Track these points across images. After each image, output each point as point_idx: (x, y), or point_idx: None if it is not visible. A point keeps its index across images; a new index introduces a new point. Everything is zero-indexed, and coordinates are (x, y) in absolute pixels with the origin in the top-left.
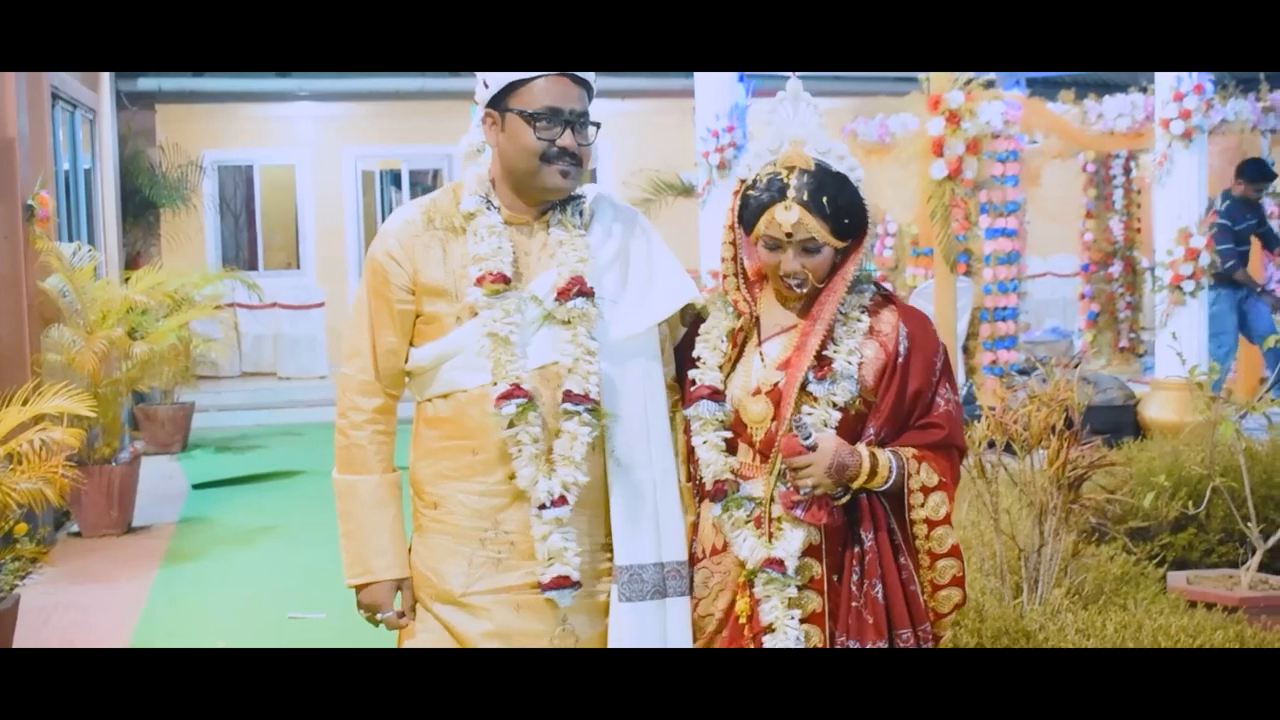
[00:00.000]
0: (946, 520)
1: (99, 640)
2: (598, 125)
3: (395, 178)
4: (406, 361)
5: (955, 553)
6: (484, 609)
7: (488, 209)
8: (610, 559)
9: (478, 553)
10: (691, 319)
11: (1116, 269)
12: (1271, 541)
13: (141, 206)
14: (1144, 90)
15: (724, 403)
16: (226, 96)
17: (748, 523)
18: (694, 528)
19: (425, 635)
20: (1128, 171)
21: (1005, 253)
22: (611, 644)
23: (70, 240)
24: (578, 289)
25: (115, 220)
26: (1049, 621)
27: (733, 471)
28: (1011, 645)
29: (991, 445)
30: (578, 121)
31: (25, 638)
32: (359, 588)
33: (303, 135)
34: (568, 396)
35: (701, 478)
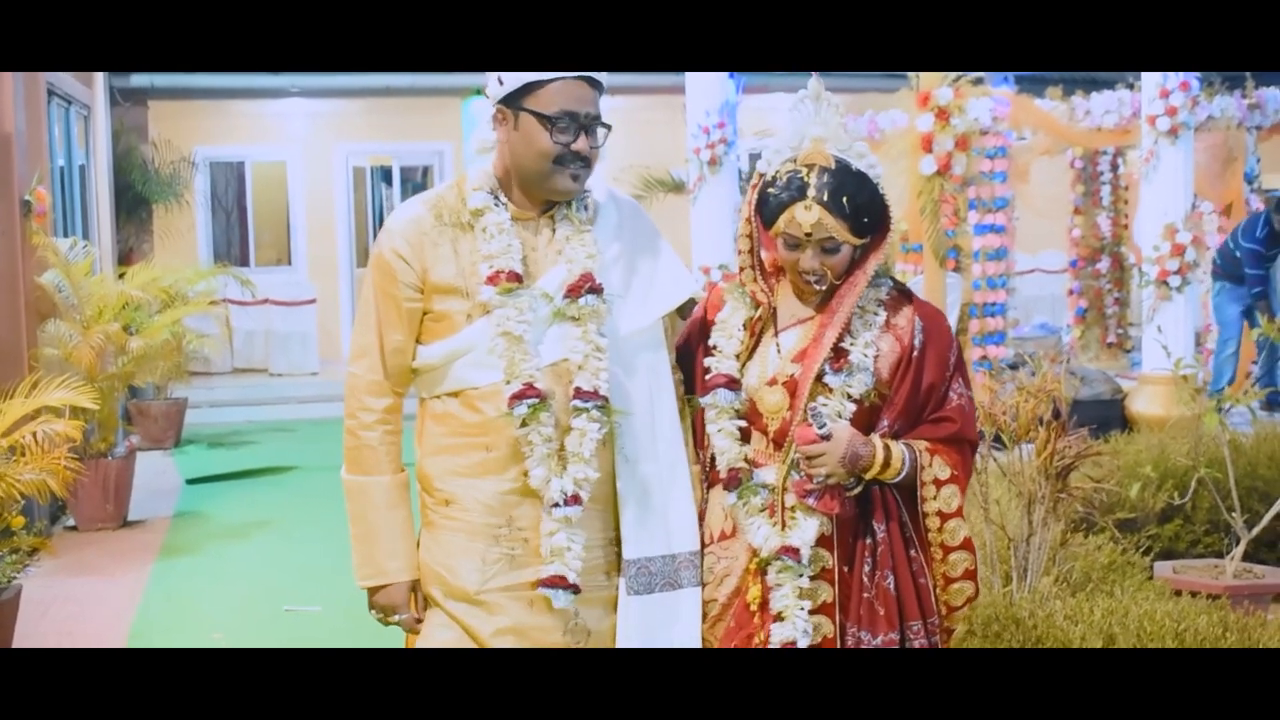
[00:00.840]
0: (958, 513)
1: (97, 632)
2: (609, 127)
3: (386, 174)
4: (414, 359)
5: (967, 545)
6: (498, 606)
7: (495, 205)
8: (618, 553)
9: (491, 549)
10: (689, 312)
11: (1104, 265)
12: (1255, 531)
13: (134, 202)
14: (1130, 87)
15: (740, 391)
16: (218, 93)
17: (762, 510)
18: (700, 514)
19: (438, 632)
20: (1115, 168)
21: (994, 248)
22: (619, 638)
23: (65, 236)
24: (588, 286)
25: (109, 216)
26: (1037, 608)
27: (746, 460)
28: (1001, 632)
29: (980, 436)
30: (591, 125)
31: (24, 629)
32: (372, 590)
33: (294, 132)
34: (577, 393)
35: (712, 464)
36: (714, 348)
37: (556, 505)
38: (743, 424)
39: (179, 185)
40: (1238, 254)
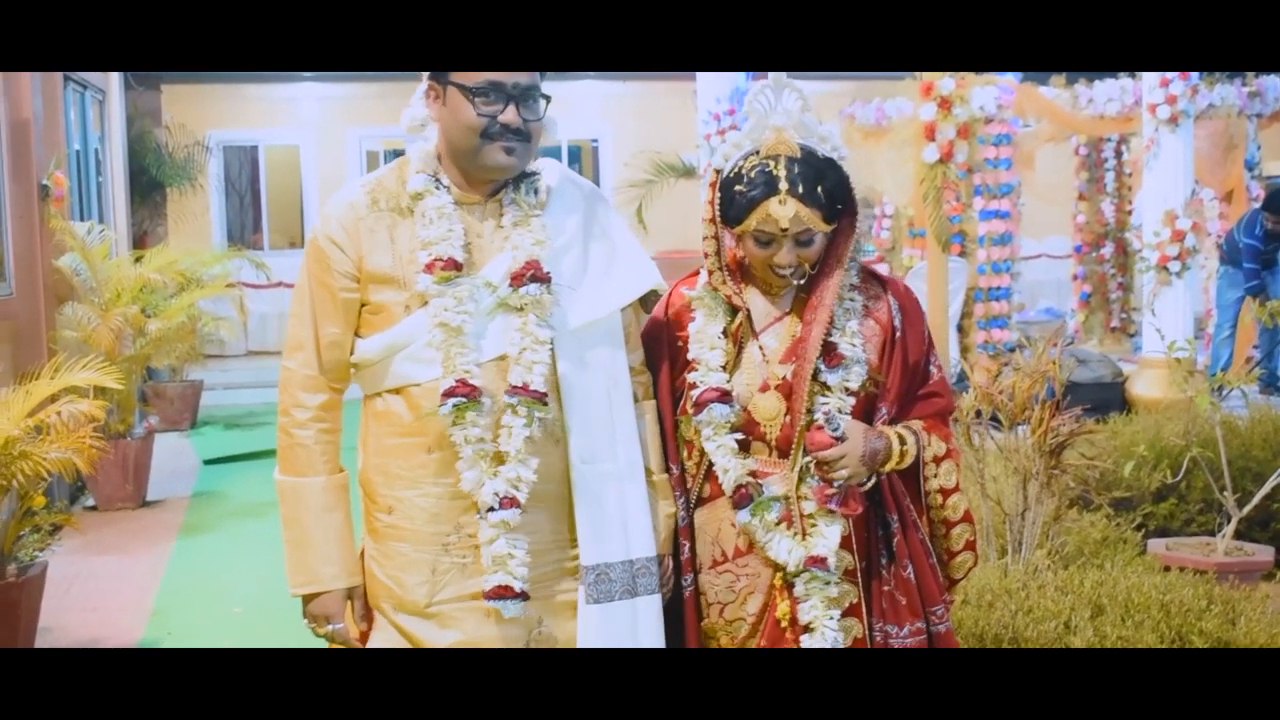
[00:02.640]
0: (957, 488)
1: (120, 609)
2: (548, 98)
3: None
4: (352, 353)
5: (968, 518)
6: (452, 618)
7: (436, 188)
8: (575, 557)
9: (441, 559)
10: (653, 304)
11: (1108, 250)
12: (1246, 510)
13: (149, 186)
14: (1133, 75)
15: (734, 404)
16: (231, 77)
17: (779, 524)
18: (684, 530)
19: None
20: (1119, 155)
21: (999, 234)
22: (580, 647)
23: (81, 220)
24: (532, 274)
25: (124, 200)
26: (1030, 580)
27: (751, 474)
28: (994, 601)
29: (978, 415)
30: (522, 96)
31: (48, 606)
32: (306, 598)
33: (307, 116)
34: (509, 389)
35: (707, 478)
36: (695, 361)
37: (492, 510)
38: (740, 437)
39: (193, 169)
40: (1241, 243)
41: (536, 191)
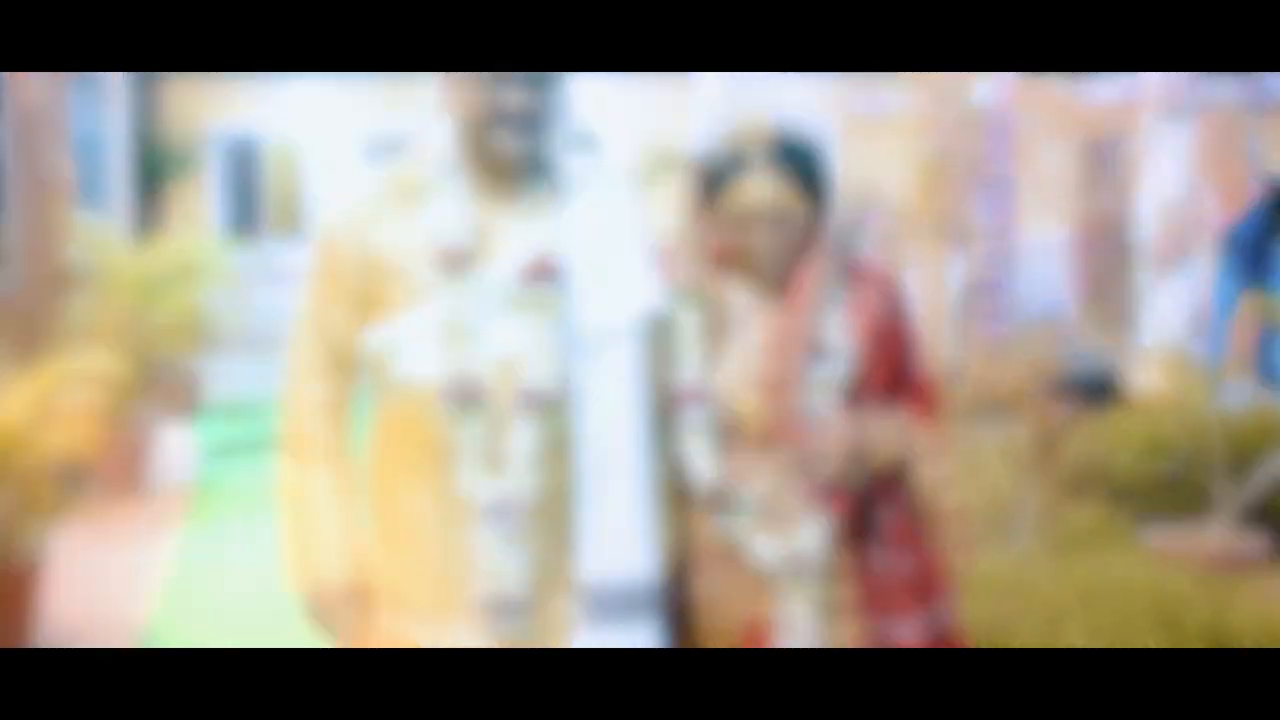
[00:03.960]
0: (945, 480)
1: (121, 596)
2: (559, 82)
3: None
4: (359, 343)
5: (958, 512)
6: (450, 622)
7: (451, 175)
8: (574, 568)
9: (440, 565)
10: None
11: (1108, 244)
12: (1241, 501)
13: (150, 177)
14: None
15: (712, 403)
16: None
17: (759, 525)
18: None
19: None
20: (1119, 148)
21: (997, 227)
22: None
23: (85, 209)
24: (545, 270)
25: (127, 191)
26: (1025, 569)
27: (731, 474)
28: (986, 590)
29: (977, 407)
30: (528, 79)
31: (50, 594)
32: (308, 595)
33: (309, 108)
34: (519, 394)
35: (694, 483)
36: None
37: (489, 518)
38: (719, 437)
39: (194, 160)
40: (1239, 238)
41: (558, 180)
